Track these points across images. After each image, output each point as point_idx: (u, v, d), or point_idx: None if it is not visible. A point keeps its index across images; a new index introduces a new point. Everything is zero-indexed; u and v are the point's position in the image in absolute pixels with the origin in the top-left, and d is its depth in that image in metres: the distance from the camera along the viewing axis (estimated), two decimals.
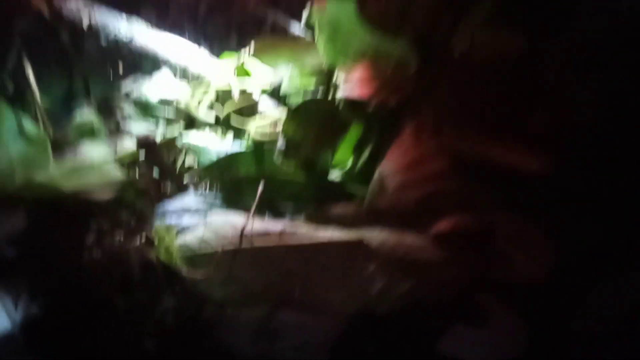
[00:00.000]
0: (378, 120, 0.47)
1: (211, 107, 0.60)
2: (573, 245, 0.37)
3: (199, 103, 0.60)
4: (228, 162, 0.53)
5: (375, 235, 0.43)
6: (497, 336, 0.40)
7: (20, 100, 0.64)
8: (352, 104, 0.48)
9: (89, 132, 0.61)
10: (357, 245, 0.43)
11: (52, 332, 0.58)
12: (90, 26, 0.65)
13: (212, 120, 0.57)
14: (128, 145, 0.62)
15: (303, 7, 0.75)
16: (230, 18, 0.81)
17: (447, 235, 0.39)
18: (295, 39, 0.76)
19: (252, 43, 0.67)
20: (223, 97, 0.62)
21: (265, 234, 0.46)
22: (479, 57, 0.43)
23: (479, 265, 0.38)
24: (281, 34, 0.77)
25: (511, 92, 0.39)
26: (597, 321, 0.37)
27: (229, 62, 0.67)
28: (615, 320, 0.36)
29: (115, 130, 0.64)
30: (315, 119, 0.48)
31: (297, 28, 0.77)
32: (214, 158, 0.55)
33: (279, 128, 0.55)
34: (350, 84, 0.49)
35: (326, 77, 0.50)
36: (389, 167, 0.45)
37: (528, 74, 0.41)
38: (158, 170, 0.53)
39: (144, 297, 0.50)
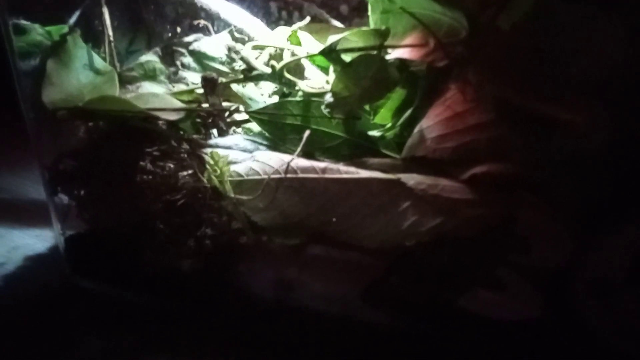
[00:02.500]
0: (423, 82, 0.52)
1: (266, 64, 0.66)
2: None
3: (255, 58, 0.65)
4: (278, 107, 0.58)
5: (412, 176, 0.47)
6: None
7: (93, 37, 0.70)
8: (402, 64, 0.53)
9: (151, 72, 0.67)
10: (395, 183, 0.47)
11: (98, 247, 0.62)
12: None
13: (267, 72, 0.62)
14: (183, 88, 0.68)
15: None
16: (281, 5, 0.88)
17: (479, 178, 0.44)
18: (340, 27, 0.83)
19: (307, 19, 0.73)
20: (276, 57, 0.67)
21: (310, 169, 0.51)
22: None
23: (504, 207, 0.43)
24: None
25: (554, 53, 0.43)
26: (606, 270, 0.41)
27: (282, 31, 0.73)
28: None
29: (174, 76, 0.70)
30: (366, 75, 0.53)
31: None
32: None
33: (328, 87, 0.60)
34: (401, 48, 0.54)
35: (379, 40, 0.55)
36: (429, 122, 0.49)
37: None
38: (214, 108, 0.58)
39: (191, 217, 0.55)
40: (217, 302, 0.58)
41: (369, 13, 0.63)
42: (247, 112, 0.58)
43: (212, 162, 0.52)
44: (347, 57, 0.59)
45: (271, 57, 0.70)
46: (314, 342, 0.55)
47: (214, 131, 0.64)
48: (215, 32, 0.77)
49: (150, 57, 0.68)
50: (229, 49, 0.62)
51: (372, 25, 0.64)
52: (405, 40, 0.56)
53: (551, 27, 0.48)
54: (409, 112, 0.55)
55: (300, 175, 0.50)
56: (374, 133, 0.59)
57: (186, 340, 0.58)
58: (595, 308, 0.42)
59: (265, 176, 0.51)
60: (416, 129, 0.51)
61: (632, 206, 0.41)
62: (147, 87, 0.66)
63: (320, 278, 0.53)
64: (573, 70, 0.43)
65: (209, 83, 0.56)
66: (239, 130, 0.68)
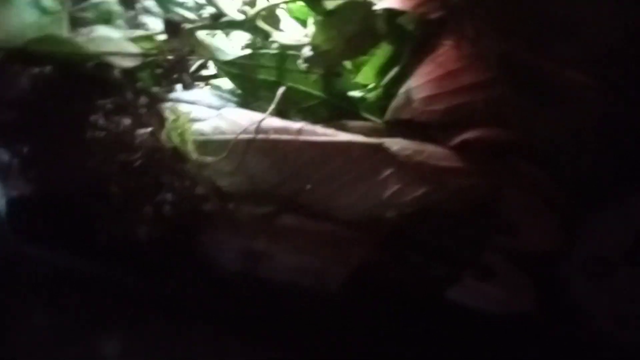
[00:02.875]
0: (413, 37, 0.47)
1: (239, 11, 0.59)
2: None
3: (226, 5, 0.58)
4: (250, 59, 0.52)
5: (395, 141, 0.43)
6: None
7: None
8: (391, 16, 0.47)
9: (106, 15, 0.59)
10: (376, 148, 0.42)
11: (45, 211, 0.56)
12: None
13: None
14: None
15: None
16: None
17: (471, 145, 0.40)
18: None
19: None
20: (250, 5, 0.61)
21: (284, 130, 0.46)
22: None
23: (497, 178, 0.39)
24: None
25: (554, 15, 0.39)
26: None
27: None
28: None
29: (133, 21, 0.63)
30: (349, 26, 0.47)
31: None
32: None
33: (306, 39, 0.54)
34: None
35: None
36: (418, 81, 0.45)
37: None
38: (177, 56, 0.51)
39: (148, 180, 0.49)
40: (177, 274, 0.53)
41: None
42: (215, 63, 0.52)
43: (172, 118, 0.46)
44: (329, 6, 0.54)
45: (244, 3, 0.64)
46: (283, 318, 0.51)
47: (179, 85, 0.58)
48: None
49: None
50: None
51: None
52: None
53: None
54: (394, 70, 0.50)
55: (273, 136, 0.45)
56: (355, 94, 0.54)
57: (142, 316, 0.53)
58: (591, 290, 0.39)
59: (233, 136, 0.46)
60: (402, 89, 0.46)
61: (633, 177, 0.38)
62: (102, 31, 0.58)
63: (292, 250, 0.49)
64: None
65: (171, 27, 0.49)
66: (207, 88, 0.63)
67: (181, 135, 0.46)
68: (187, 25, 0.54)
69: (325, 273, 0.49)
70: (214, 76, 0.59)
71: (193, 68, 0.57)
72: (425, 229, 0.41)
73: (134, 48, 0.50)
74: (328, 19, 0.48)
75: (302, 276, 0.50)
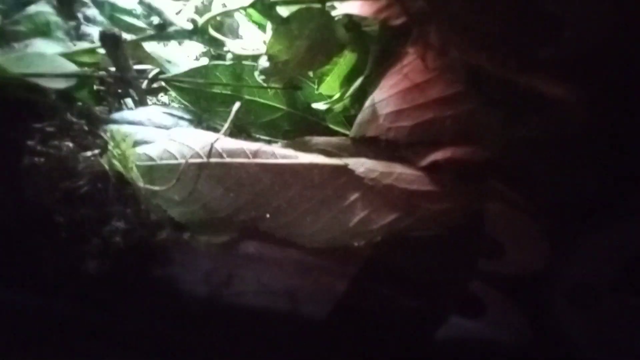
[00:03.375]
0: (377, 43, 0.43)
1: (189, 20, 0.54)
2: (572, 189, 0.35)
3: (176, 13, 0.54)
4: (202, 73, 0.47)
5: (361, 162, 0.39)
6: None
7: None
8: (352, 22, 0.43)
9: (43, 27, 0.54)
10: (341, 170, 0.39)
11: None
12: None
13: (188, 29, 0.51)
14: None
15: None
16: None
17: (442, 166, 0.36)
18: None
19: None
20: (203, 10, 0.56)
21: (239, 152, 0.42)
22: None
23: (472, 201, 0.36)
24: None
25: (525, 15, 0.36)
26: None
27: None
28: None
29: (74, 32, 0.57)
30: (307, 34, 0.43)
31: None
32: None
33: (263, 48, 0.50)
34: (350, 1, 0.44)
35: None
36: (383, 94, 0.41)
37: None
38: (118, 71, 0.47)
39: (90, 211, 0.44)
40: (130, 308, 0.49)
41: None
42: (161, 79, 0.47)
43: (112, 142, 0.41)
44: (285, 12, 0.49)
45: (197, 10, 0.59)
46: (243, 347, 0.47)
47: (129, 101, 0.53)
48: None
49: (42, 8, 0.54)
50: (141, 2, 0.50)
51: None
52: None
53: None
54: (359, 81, 0.46)
55: (227, 159, 0.41)
56: (319, 105, 0.50)
57: (94, 351, 0.49)
58: (577, 318, 0.36)
59: (182, 160, 0.41)
60: (367, 103, 0.43)
61: (622, 202, 0.35)
62: (39, 45, 0.53)
63: (255, 281, 0.45)
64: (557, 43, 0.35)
65: (109, 41, 0.44)
66: (165, 98, 0.58)
67: (123, 161, 0.41)
68: (130, 37, 0.49)
69: (293, 303, 0.45)
70: (166, 89, 0.55)
71: (142, 83, 0.53)
72: (398, 258, 0.37)
73: (70, 65, 0.45)
74: (284, 28, 0.44)
75: (269, 306, 0.46)
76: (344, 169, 0.39)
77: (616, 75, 0.37)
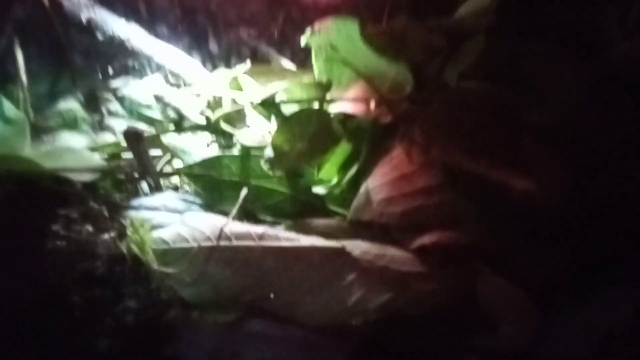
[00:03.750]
0: (368, 138, 0.48)
1: (201, 113, 0.60)
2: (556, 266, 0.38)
3: (189, 108, 0.60)
4: (213, 163, 0.52)
5: (357, 245, 0.43)
6: None
7: (5, 82, 0.62)
8: (346, 119, 0.49)
9: (71, 122, 0.60)
10: (339, 253, 0.42)
11: (4, 324, 0.53)
12: (89, 20, 0.65)
13: (201, 123, 0.57)
14: (110, 139, 0.61)
15: (291, 41, 0.80)
16: (224, 43, 0.84)
17: (430, 249, 0.40)
18: (286, 69, 0.80)
19: (248, 62, 0.69)
20: (214, 104, 0.62)
21: (246, 235, 0.46)
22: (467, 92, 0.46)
23: (459, 281, 0.39)
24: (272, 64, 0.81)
25: (497, 121, 0.41)
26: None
27: (222, 75, 0.68)
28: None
29: (99, 125, 0.64)
30: (307, 130, 0.49)
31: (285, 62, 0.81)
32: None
33: (269, 137, 0.56)
34: (344, 101, 0.50)
35: (321, 93, 0.51)
36: (376, 182, 0.45)
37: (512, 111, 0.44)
38: (140, 164, 0.52)
39: (109, 291, 0.48)
40: None
41: (313, 59, 0.60)
42: (177, 170, 0.52)
43: (131, 228, 0.45)
44: (289, 108, 0.55)
45: (209, 104, 0.65)
46: None
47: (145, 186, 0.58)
48: (149, 75, 0.72)
49: (71, 104, 0.61)
50: (157, 99, 0.57)
51: (316, 72, 0.60)
52: (349, 93, 0.52)
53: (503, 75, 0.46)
54: (354, 168, 0.51)
55: (235, 243, 0.45)
56: (319, 190, 0.55)
57: None
58: None
59: (194, 244, 0.45)
60: (362, 189, 0.47)
61: (600, 282, 0.38)
62: (66, 138, 0.59)
63: (259, 358, 0.47)
64: (529, 123, 0.40)
65: (132, 138, 0.50)
66: (176, 181, 0.63)
67: (141, 245, 0.45)
68: (149, 132, 0.55)
69: None
70: (179, 174, 0.59)
71: (158, 170, 0.58)
72: (395, 335, 0.40)
73: (95, 159, 0.50)
74: (286, 124, 0.50)
75: None
76: (342, 251, 0.42)
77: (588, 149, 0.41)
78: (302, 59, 0.81)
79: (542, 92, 0.46)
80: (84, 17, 0.66)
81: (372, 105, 0.47)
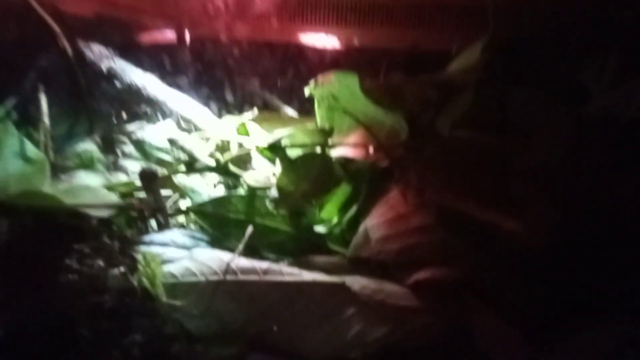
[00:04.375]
0: (367, 180, 0.52)
1: (211, 156, 0.64)
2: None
3: (200, 151, 0.64)
4: (222, 202, 0.55)
5: (356, 280, 0.45)
6: None
7: (27, 124, 0.66)
8: (346, 163, 0.53)
9: (88, 162, 0.64)
10: (339, 288, 0.45)
11: (15, 354, 0.54)
12: (109, 69, 0.71)
13: (211, 164, 0.61)
14: (123, 179, 0.65)
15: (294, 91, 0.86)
16: (232, 92, 0.89)
17: (424, 284, 0.42)
18: (290, 117, 0.85)
19: (254, 110, 0.74)
20: (222, 148, 0.66)
21: (251, 270, 0.48)
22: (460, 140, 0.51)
23: (452, 315, 0.41)
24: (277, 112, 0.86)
25: (487, 164, 0.45)
26: None
27: (230, 121, 0.73)
28: None
29: (113, 166, 0.67)
30: (310, 172, 0.53)
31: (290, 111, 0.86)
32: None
33: (274, 179, 0.59)
34: (345, 146, 0.54)
35: (323, 138, 0.56)
36: (374, 221, 0.49)
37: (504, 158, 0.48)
38: (152, 202, 0.55)
39: (117, 323, 0.49)
40: None
41: (315, 108, 0.64)
42: (187, 209, 0.55)
43: (143, 262, 0.48)
44: (293, 153, 0.59)
45: (217, 147, 0.69)
46: None
47: (153, 223, 0.61)
48: (162, 120, 0.76)
49: (88, 146, 0.65)
50: (171, 142, 0.61)
51: (318, 120, 0.65)
52: (350, 139, 0.56)
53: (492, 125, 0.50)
54: (353, 209, 0.55)
55: (240, 277, 0.47)
56: (321, 229, 0.58)
57: None
58: None
59: (202, 278, 0.48)
60: (361, 227, 0.50)
61: (585, 316, 0.41)
62: (83, 177, 0.62)
63: None
64: (517, 166, 0.44)
65: (147, 177, 0.53)
66: (182, 219, 0.66)
67: (150, 278, 0.48)
68: (162, 172, 0.59)
69: None
70: (188, 213, 0.63)
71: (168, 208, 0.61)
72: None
73: (110, 196, 0.54)
74: (290, 166, 0.53)
75: None
76: (342, 286, 0.45)
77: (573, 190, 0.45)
78: (305, 109, 0.87)
79: (528, 137, 0.50)
80: (104, 66, 0.71)
81: (371, 150, 0.50)
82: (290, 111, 0.84)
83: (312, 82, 0.62)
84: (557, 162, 0.47)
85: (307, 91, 0.64)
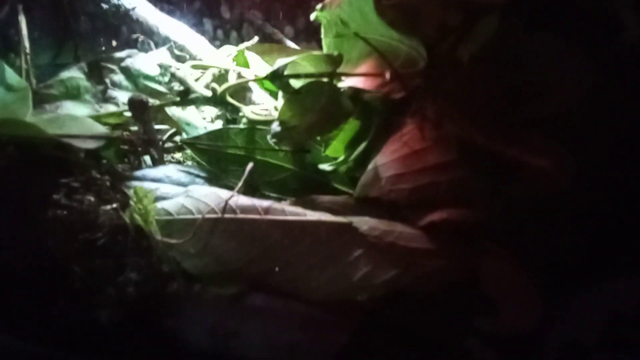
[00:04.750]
0: (379, 113, 0.47)
1: (207, 87, 0.59)
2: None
3: (195, 80, 0.59)
4: (219, 135, 0.51)
5: (364, 221, 0.42)
6: None
7: (7, 50, 0.61)
8: (356, 94, 0.48)
9: (74, 91, 0.59)
10: (345, 228, 0.42)
11: (2, 294, 0.53)
12: None
13: (207, 95, 0.56)
14: (113, 110, 0.60)
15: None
16: (230, 22, 0.82)
17: (439, 226, 0.39)
18: (291, 48, 0.79)
19: (255, 39, 0.68)
20: (220, 79, 0.61)
21: (251, 209, 0.45)
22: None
23: (467, 259, 0.39)
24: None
25: (512, 100, 0.40)
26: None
27: (228, 51, 0.67)
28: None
29: (102, 96, 0.62)
30: (316, 103, 0.48)
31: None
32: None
33: (275, 113, 0.55)
34: (355, 76, 0.49)
35: (330, 67, 0.50)
36: (385, 159, 0.45)
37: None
38: (144, 133, 0.51)
39: (111, 262, 0.47)
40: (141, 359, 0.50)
41: (322, 36, 0.58)
42: (182, 141, 0.51)
43: (135, 198, 0.45)
44: (296, 83, 0.54)
45: (215, 78, 0.64)
46: None
47: (147, 158, 0.57)
48: (155, 48, 0.71)
49: (74, 74, 0.60)
50: (162, 68, 0.55)
51: (325, 49, 0.59)
52: (360, 68, 0.51)
53: (514, 59, 0.45)
54: (362, 146, 0.51)
55: (240, 215, 0.44)
56: (325, 166, 0.54)
57: None
58: None
59: (199, 216, 0.44)
60: (370, 166, 0.47)
61: (606, 262, 0.38)
62: (69, 107, 0.58)
63: (261, 332, 0.46)
64: (538, 106, 0.40)
65: (136, 106, 0.49)
66: (179, 155, 0.62)
67: (144, 216, 0.44)
68: (155, 102, 0.54)
69: (297, 356, 0.46)
70: (183, 148, 0.59)
71: (161, 142, 0.57)
72: (399, 313, 0.40)
73: (98, 127, 0.49)
74: (293, 98, 0.49)
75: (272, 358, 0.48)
76: (349, 226, 0.42)
77: (594, 138, 0.41)
78: (307, 40, 0.81)
79: (552, 76, 0.45)
80: None
81: (384, 80, 0.46)
82: (290, 43, 0.78)
83: (319, 6, 0.56)
84: (582, 107, 0.42)
85: (312, 16, 0.58)
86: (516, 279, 0.42)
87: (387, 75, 0.45)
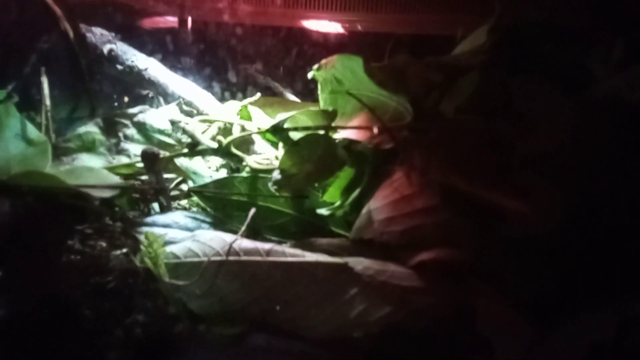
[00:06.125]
0: (370, 162, 0.52)
1: (213, 139, 0.64)
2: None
3: (202, 132, 0.64)
4: (223, 184, 0.55)
5: (359, 261, 0.45)
6: None
7: (29, 107, 0.66)
8: (350, 145, 0.53)
9: (90, 144, 0.63)
10: (342, 268, 0.45)
11: (17, 335, 0.55)
12: (110, 51, 0.70)
13: (213, 147, 0.60)
14: (125, 162, 0.65)
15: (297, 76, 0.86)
16: (234, 78, 0.89)
17: (428, 265, 0.42)
18: (292, 101, 0.84)
19: (257, 95, 0.73)
20: (225, 132, 0.66)
21: (254, 251, 0.48)
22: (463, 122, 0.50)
23: (455, 296, 0.41)
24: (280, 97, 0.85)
25: (491, 147, 0.45)
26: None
27: (232, 105, 0.73)
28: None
29: (115, 148, 0.67)
30: (314, 153, 0.52)
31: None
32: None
33: (276, 162, 0.59)
34: (349, 129, 0.54)
35: (326, 120, 0.55)
36: (377, 203, 0.48)
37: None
38: (154, 183, 0.55)
39: (120, 304, 0.49)
40: None
41: (319, 92, 0.64)
42: (190, 189, 0.55)
43: (146, 242, 0.48)
44: (295, 135, 0.59)
45: (220, 131, 0.69)
46: None
47: (155, 205, 0.61)
48: (164, 104, 0.76)
49: (90, 128, 0.65)
50: (173, 123, 0.60)
51: (321, 104, 0.64)
52: (353, 121, 0.56)
53: (496, 108, 0.49)
54: (357, 191, 0.54)
55: (243, 257, 0.47)
56: (323, 211, 0.58)
57: None
58: None
59: (205, 258, 0.47)
60: (364, 210, 0.50)
61: (586, 296, 0.41)
62: (84, 159, 0.62)
63: None
64: (526, 146, 0.44)
65: (149, 158, 0.53)
66: (184, 202, 0.66)
67: (153, 258, 0.47)
68: (165, 154, 0.59)
69: None
70: (190, 195, 0.62)
71: (170, 190, 0.61)
72: (395, 351, 0.42)
73: (112, 177, 0.53)
74: (293, 149, 0.53)
75: None
76: (345, 266, 0.45)
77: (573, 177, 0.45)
78: (308, 94, 0.86)
79: (531, 123, 0.50)
80: (105, 49, 0.71)
81: (374, 132, 0.50)
82: (292, 97, 0.84)
83: (315, 66, 0.62)
84: (561, 149, 0.47)
85: (310, 75, 0.64)
86: (509, 316, 0.44)
87: (377, 128, 0.50)
